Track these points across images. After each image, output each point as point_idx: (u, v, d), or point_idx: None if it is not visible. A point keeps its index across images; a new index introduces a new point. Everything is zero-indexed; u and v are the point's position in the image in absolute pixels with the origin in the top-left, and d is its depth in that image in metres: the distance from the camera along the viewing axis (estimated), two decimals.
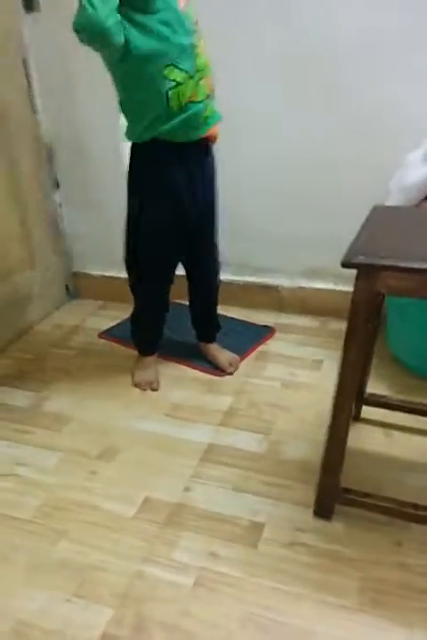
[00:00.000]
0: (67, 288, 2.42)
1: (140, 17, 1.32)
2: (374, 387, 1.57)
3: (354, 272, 1.02)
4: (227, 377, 1.81)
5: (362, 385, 1.49)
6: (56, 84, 2.07)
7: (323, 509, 1.26)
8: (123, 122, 1.56)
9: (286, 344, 1.97)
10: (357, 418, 1.54)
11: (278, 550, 1.19)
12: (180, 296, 1.84)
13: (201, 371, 1.85)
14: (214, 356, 1.87)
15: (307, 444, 1.49)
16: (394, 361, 1.76)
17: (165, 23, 1.35)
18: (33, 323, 2.20)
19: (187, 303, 1.85)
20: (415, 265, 0.98)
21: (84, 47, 1.32)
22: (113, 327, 2.14)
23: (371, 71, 1.73)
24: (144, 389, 1.76)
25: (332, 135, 1.84)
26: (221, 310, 1.91)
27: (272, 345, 1.97)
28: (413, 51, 1.67)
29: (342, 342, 1.08)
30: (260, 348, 1.95)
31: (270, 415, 1.62)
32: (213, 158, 1.61)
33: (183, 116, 1.43)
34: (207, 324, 1.89)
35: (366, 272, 1.01)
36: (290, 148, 1.89)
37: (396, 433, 1.51)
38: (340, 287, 1.99)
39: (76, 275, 2.42)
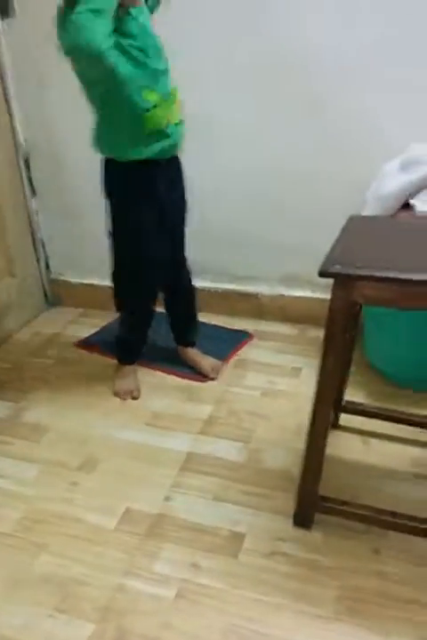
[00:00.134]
0: (45, 296, 2.39)
1: (120, 39, 1.34)
2: (351, 394, 1.58)
3: (332, 280, 1.03)
4: (207, 384, 1.81)
5: (340, 393, 1.51)
6: (31, 90, 2.05)
7: (302, 519, 1.26)
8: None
9: (265, 351, 1.97)
10: (335, 425, 1.55)
11: (259, 560, 1.20)
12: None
13: (182, 377, 1.85)
14: (196, 362, 1.86)
15: (286, 452, 1.50)
16: (371, 369, 1.78)
17: (140, 49, 1.38)
18: (11, 331, 2.17)
19: (163, 310, 1.85)
20: (391, 275, 0.99)
21: (60, 54, 1.32)
22: (91, 335, 2.12)
23: (344, 82, 1.75)
24: (124, 399, 1.76)
25: (308, 145, 1.85)
26: (201, 318, 1.92)
27: (252, 352, 1.98)
28: (386, 62, 1.69)
29: (320, 350, 1.10)
30: (239, 356, 1.96)
31: (250, 423, 1.63)
32: (182, 169, 1.65)
33: (160, 137, 1.47)
34: (187, 325, 1.88)
35: (343, 282, 1.02)
36: (267, 157, 1.90)
37: (373, 440, 1.53)
38: (317, 294, 2.01)
39: (55, 282, 2.39)
